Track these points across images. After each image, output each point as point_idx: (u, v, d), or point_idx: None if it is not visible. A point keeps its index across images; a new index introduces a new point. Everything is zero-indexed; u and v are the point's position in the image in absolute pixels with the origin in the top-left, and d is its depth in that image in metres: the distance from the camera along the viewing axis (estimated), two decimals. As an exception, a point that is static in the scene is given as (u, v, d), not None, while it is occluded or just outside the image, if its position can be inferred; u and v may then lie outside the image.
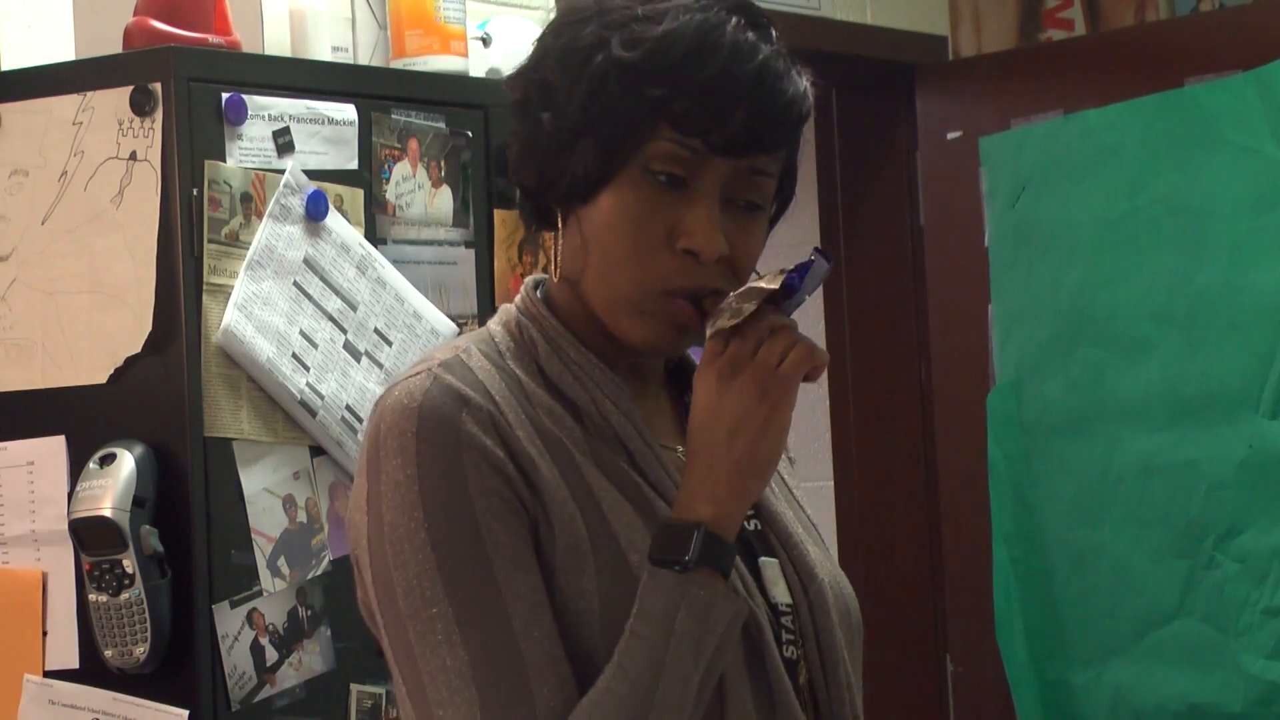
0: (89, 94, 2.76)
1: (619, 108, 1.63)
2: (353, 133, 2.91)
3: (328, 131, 2.88)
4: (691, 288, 1.65)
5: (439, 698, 1.56)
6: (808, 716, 1.67)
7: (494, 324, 1.73)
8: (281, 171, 2.81)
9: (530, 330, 1.70)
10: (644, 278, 1.64)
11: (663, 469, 1.67)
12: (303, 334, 2.80)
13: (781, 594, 1.70)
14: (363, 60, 3.41)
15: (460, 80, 3.23)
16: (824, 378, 4.99)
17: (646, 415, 1.71)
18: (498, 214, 3.08)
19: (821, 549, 1.77)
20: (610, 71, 1.64)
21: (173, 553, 2.67)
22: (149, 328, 2.70)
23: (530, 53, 1.71)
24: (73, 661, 2.74)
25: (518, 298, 1.74)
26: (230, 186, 2.74)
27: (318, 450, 2.82)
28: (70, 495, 2.70)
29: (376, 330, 2.89)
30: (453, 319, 2.99)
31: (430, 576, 1.57)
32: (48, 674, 2.75)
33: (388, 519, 1.59)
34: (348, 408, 2.82)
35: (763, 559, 1.71)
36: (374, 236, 2.93)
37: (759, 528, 1.73)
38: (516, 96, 1.71)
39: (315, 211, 2.83)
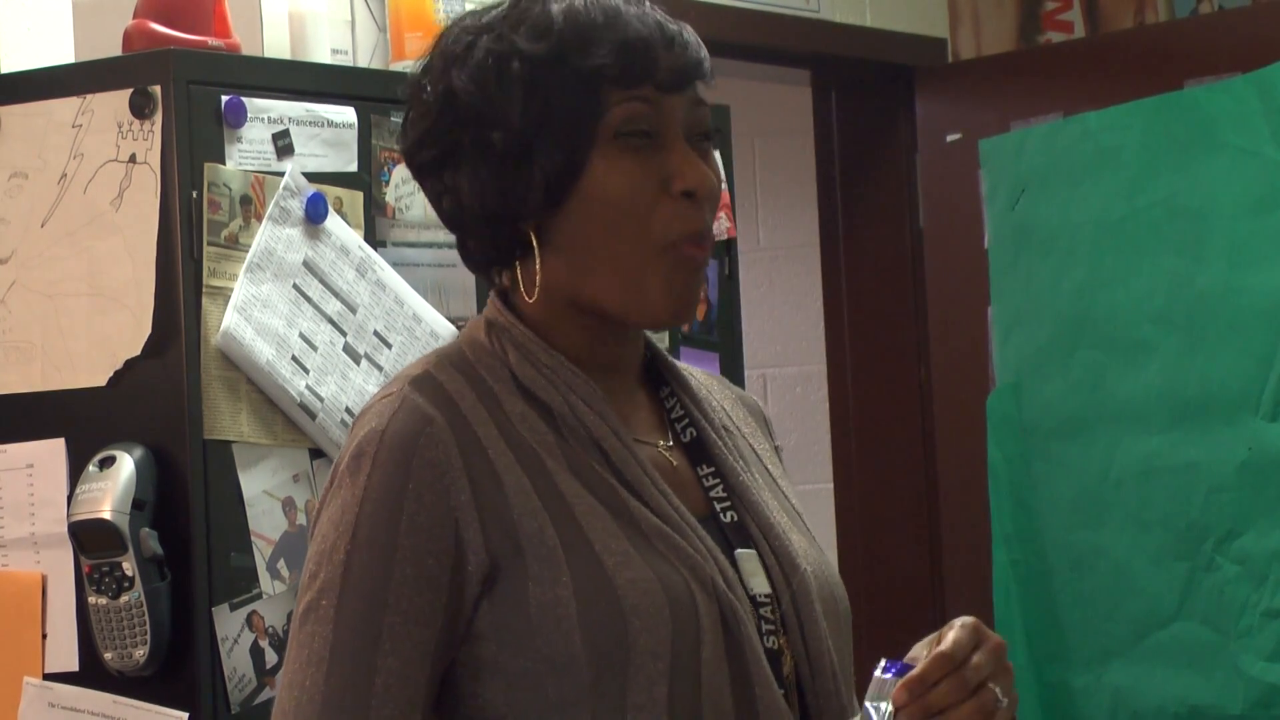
0: (88, 96, 2.76)
1: (560, 94, 1.66)
2: (352, 135, 2.91)
3: (327, 134, 2.88)
4: (692, 233, 1.68)
5: (284, 708, 1.62)
6: (794, 706, 1.68)
7: (463, 337, 1.75)
8: (281, 174, 2.80)
9: (501, 338, 1.71)
10: (650, 231, 1.67)
11: (639, 466, 1.69)
12: (302, 336, 2.80)
13: (760, 585, 1.70)
14: (362, 63, 3.41)
15: (460, 82, 3.23)
16: (823, 380, 5.03)
17: (624, 413, 1.72)
18: (497, 216, 3.07)
19: (806, 537, 1.78)
20: (534, 68, 1.66)
21: (172, 555, 2.67)
22: (148, 330, 2.70)
23: (417, 111, 1.71)
24: (72, 664, 2.74)
25: (485, 310, 1.75)
26: (230, 189, 2.74)
27: (317, 453, 2.81)
28: (70, 498, 2.70)
29: (376, 333, 2.89)
30: (452, 321, 2.99)
31: (330, 596, 1.62)
32: (47, 676, 2.75)
33: (323, 530, 1.65)
34: (347, 410, 2.82)
35: (739, 551, 1.72)
36: (373, 239, 2.93)
37: (735, 519, 1.74)
38: (432, 155, 1.70)
39: (315, 214, 2.83)
